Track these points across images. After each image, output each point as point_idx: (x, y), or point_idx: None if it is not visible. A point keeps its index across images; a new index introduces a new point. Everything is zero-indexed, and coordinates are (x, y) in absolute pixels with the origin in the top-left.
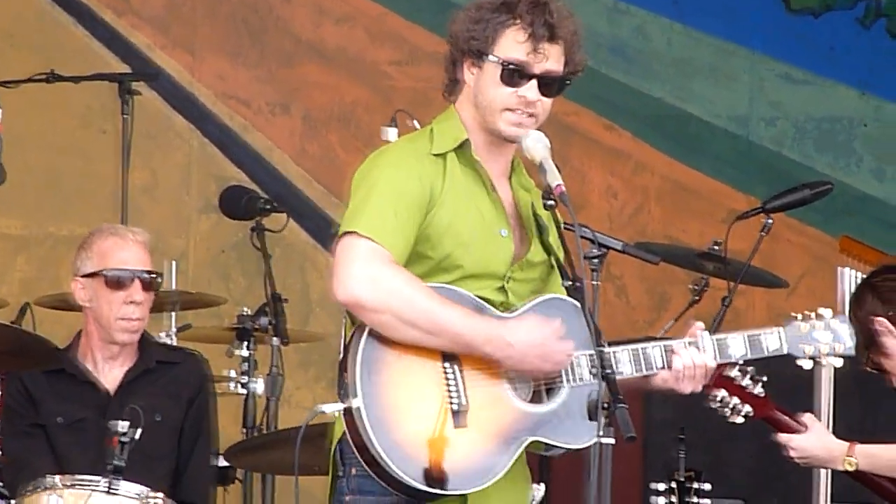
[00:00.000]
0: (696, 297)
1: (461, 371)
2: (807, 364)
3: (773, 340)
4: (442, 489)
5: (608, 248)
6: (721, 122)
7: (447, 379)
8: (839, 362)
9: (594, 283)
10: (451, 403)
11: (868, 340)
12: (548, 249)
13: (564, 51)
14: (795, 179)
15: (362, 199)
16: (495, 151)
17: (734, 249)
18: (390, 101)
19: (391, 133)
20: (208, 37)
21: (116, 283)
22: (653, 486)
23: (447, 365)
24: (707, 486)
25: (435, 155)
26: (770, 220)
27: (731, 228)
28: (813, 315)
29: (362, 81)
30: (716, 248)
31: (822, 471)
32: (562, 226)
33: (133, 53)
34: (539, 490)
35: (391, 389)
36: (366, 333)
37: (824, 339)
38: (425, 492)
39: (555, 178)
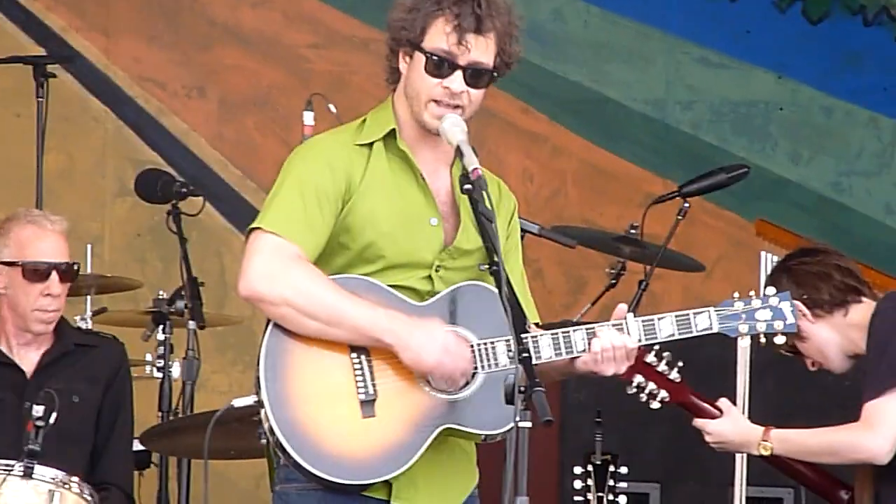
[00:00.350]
0: (613, 281)
1: (370, 361)
2: (744, 343)
3: (702, 319)
4: (349, 479)
5: (525, 231)
6: (638, 106)
7: (355, 369)
8: (781, 339)
9: None
10: (360, 393)
11: None
12: (484, 236)
13: (496, 43)
14: (712, 163)
15: (272, 195)
16: (431, 141)
17: (651, 233)
18: (307, 84)
19: (307, 117)
20: (124, 19)
21: (34, 275)
22: (570, 469)
23: (355, 355)
24: (624, 470)
25: (360, 145)
26: (687, 204)
27: (648, 212)
28: (752, 294)
29: (279, 65)
30: (632, 231)
31: (739, 454)
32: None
33: (48, 36)
34: None
35: (297, 381)
36: (272, 326)
37: (763, 316)
38: (333, 482)
39: (472, 162)
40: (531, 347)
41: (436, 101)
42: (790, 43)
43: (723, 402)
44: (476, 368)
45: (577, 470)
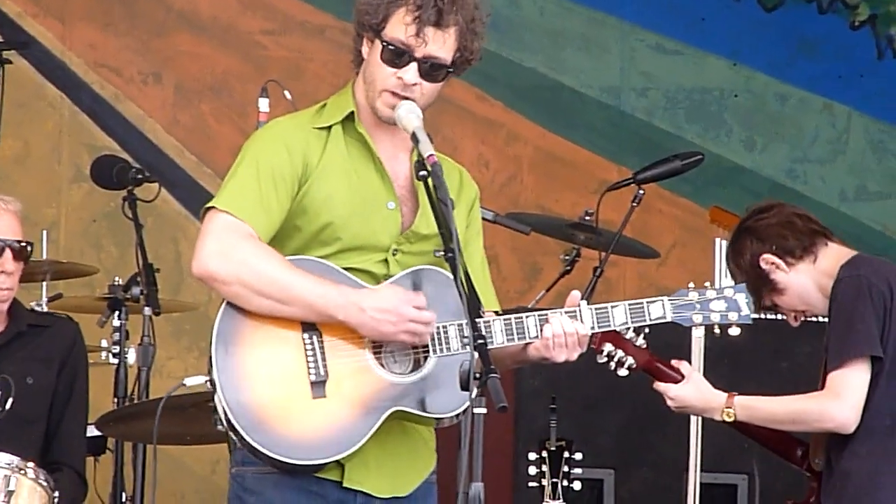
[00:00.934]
0: (568, 268)
1: (321, 341)
2: (698, 333)
3: (656, 308)
4: (299, 459)
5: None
6: (593, 93)
7: (307, 349)
8: (736, 331)
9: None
10: (310, 374)
11: (759, 282)
12: (441, 222)
13: (456, 38)
14: (667, 150)
15: (229, 176)
16: (390, 126)
17: (607, 220)
18: (263, 70)
19: (262, 103)
20: (79, 5)
21: None
22: (524, 455)
23: (307, 336)
24: (578, 456)
25: (318, 128)
26: (641, 191)
27: (603, 199)
28: (708, 285)
29: (235, 51)
30: (587, 218)
31: (693, 440)
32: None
33: (3, 22)
34: None
35: (249, 362)
36: (224, 305)
37: (717, 307)
38: (283, 462)
39: (427, 148)
40: (484, 332)
41: (389, 91)
42: (745, 30)
43: (684, 366)
44: (428, 351)
45: (532, 456)
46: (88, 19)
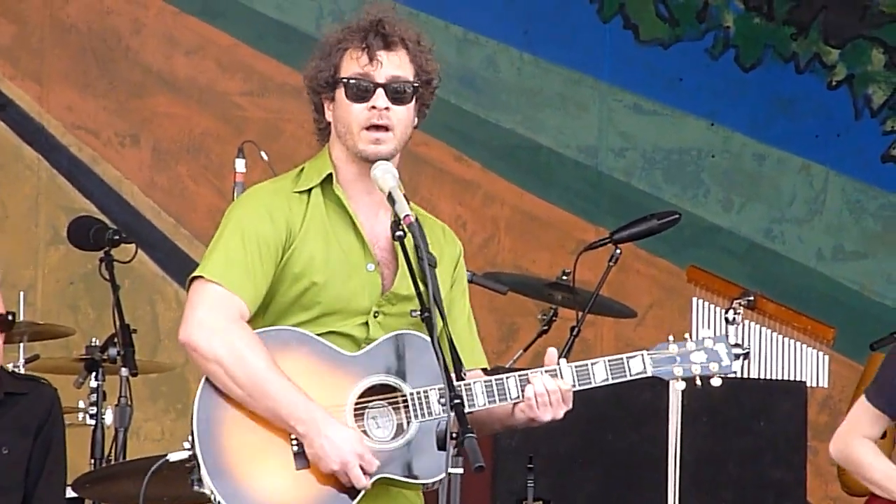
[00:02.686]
0: (545, 327)
1: None
2: (679, 385)
3: (636, 363)
4: None
5: None
6: (571, 153)
7: None
8: (718, 382)
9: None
10: (293, 445)
11: None
12: (417, 283)
13: (410, 59)
14: (645, 210)
15: (214, 243)
16: (368, 183)
17: (585, 280)
18: (241, 131)
19: (238, 164)
20: (57, 67)
21: None
22: None
23: None
24: None
25: (298, 192)
26: (618, 251)
27: (580, 259)
28: (687, 337)
29: (212, 112)
30: (564, 278)
31: (672, 498)
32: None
33: None
34: None
35: (231, 432)
36: (205, 377)
37: (698, 359)
38: None
39: (403, 209)
40: (464, 395)
41: (365, 127)
42: (722, 90)
43: None
44: (410, 418)
45: None
46: (66, 81)
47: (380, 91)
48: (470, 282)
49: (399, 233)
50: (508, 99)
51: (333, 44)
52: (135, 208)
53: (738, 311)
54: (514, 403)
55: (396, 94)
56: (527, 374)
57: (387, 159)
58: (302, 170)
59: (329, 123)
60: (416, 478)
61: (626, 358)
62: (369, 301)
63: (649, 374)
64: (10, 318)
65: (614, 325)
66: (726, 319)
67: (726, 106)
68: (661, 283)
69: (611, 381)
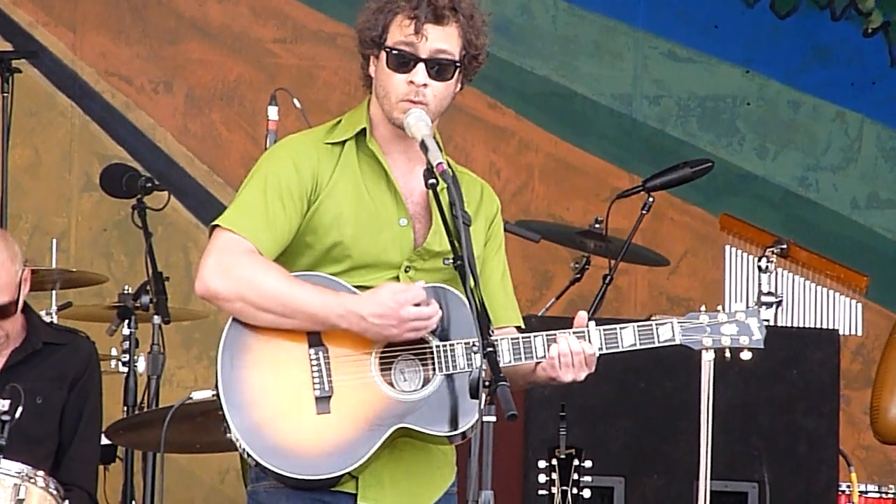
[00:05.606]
0: (578, 276)
1: (327, 357)
2: (708, 356)
3: (665, 331)
4: (302, 474)
5: None
6: (605, 101)
7: (312, 365)
8: (747, 355)
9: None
10: (315, 389)
11: None
12: (452, 239)
13: (460, 34)
14: (679, 157)
15: (238, 193)
16: (403, 142)
17: (618, 228)
18: (274, 79)
19: (271, 111)
20: (90, 14)
21: None
22: (534, 463)
23: (313, 351)
24: (588, 464)
25: (330, 144)
26: (651, 199)
27: (614, 207)
28: (720, 307)
29: (246, 59)
30: (597, 226)
31: (704, 447)
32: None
33: (14, 30)
34: None
35: (254, 375)
36: (231, 320)
37: (728, 331)
38: (286, 477)
39: (436, 157)
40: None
41: (403, 100)
42: (758, 37)
43: None
44: (435, 370)
45: (542, 464)
46: (99, 28)
47: (420, 66)
48: (504, 230)
49: (432, 180)
50: (543, 46)
51: (386, 3)
52: (168, 155)
53: (770, 259)
54: (538, 362)
55: (438, 69)
56: (554, 335)
57: None
58: (339, 122)
59: (371, 77)
60: (435, 430)
61: (656, 324)
62: (400, 255)
63: (678, 342)
64: (12, 306)
65: (647, 274)
66: (759, 268)
67: (761, 53)
68: (695, 231)
69: (638, 347)
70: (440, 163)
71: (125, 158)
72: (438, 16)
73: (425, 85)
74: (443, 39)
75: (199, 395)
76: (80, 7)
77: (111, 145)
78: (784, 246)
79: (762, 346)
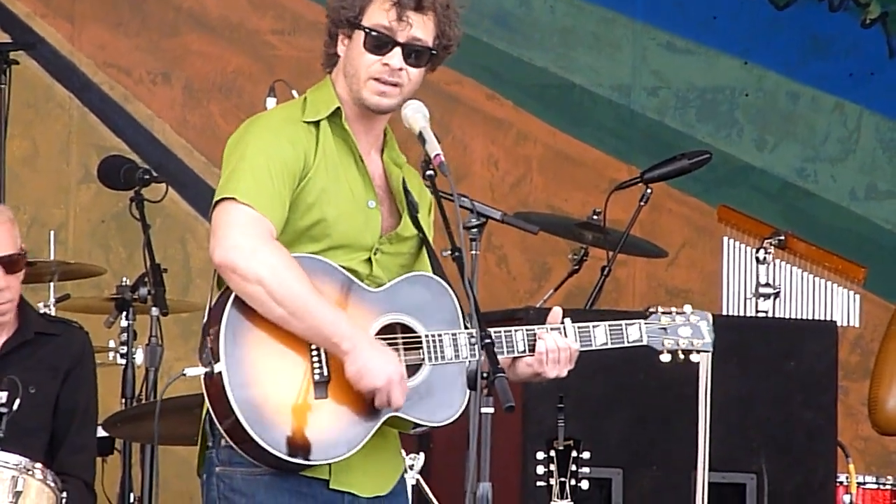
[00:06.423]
0: (576, 267)
1: None
2: (665, 357)
3: (633, 331)
4: (297, 458)
5: (487, 217)
6: (604, 92)
7: (311, 349)
8: (696, 357)
9: (473, 252)
10: (314, 373)
11: None
12: (418, 226)
13: (435, 24)
14: (678, 149)
15: (238, 165)
16: (366, 124)
17: (617, 220)
18: (272, 70)
19: (270, 103)
20: (88, 5)
21: None
22: (532, 455)
23: None
24: (586, 455)
25: (308, 122)
26: (649, 190)
27: (613, 198)
28: (674, 310)
29: (244, 51)
30: (595, 217)
31: (701, 439)
32: (440, 195)
33: (12, 22)
34: (418, 459)
35: (256, 355)
36: (233, 297)
37: (684, 333)
38: (282, 459)
39: (434, 148)
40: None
41: (375, 78)
42: (756, 29)
43: None
44: (423, 361)
45: (540, 455)
46: (97, 20)
47: (397, 50)
48: (501, 221)
49: (429, 172)
50: (541, 37)
51: None
52: (166, 147)
53: (768, 250)
54: (518, 357)
55: (413, 56)
56: (534, 330)
57: (386, 112)
58: (305, 99)
59: (337, 56)
60: (421, 419)
61: (625, 324)
62: (372, 238)
63: (645, 342)
64: (21, 257)
65: (646, 265)
66: (757, 259)
67: (760, 44)
68: (693, 222)
69: (609, 346)
70: (437, 154)
71: (123, 150)
72: (420, 4)
73: (401, 69)
74: (420, 27)
75: (192, 372)
76: None
77: (109, 137)
78: (782, 237)
79: (711, 350)
